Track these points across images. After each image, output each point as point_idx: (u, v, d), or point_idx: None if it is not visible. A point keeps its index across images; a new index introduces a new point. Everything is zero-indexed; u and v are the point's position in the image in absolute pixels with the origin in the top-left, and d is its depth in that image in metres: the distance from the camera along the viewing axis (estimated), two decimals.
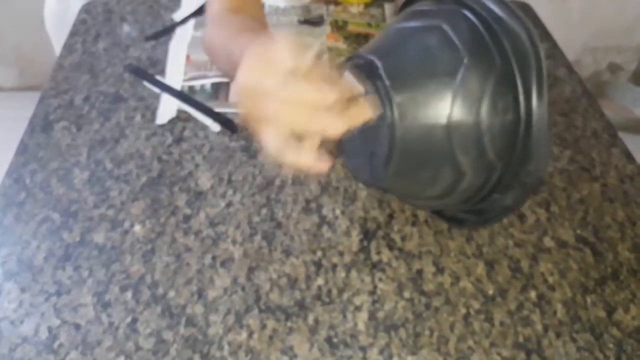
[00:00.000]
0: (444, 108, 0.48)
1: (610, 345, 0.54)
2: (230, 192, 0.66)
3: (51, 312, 0.54)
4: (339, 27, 0.91)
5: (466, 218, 0.57)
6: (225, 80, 0.79)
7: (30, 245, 0.59)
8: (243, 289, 0.56)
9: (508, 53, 0.47)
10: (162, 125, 0.74)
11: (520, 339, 0.54)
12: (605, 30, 1.96)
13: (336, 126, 0.41)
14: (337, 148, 0.60)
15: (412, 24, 0.53)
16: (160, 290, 0.56)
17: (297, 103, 0.40)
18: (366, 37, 0.89)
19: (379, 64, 0.49)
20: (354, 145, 0.57)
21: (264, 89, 0.41)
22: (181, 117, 0.75)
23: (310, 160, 0.42)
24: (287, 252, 0.60)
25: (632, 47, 2.04)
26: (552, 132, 0.46)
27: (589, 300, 0.57)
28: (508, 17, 0.48)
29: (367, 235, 0.62)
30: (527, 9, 1.01)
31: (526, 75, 0.47)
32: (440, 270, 0.59)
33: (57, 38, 1.05)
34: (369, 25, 0.93)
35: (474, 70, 0.48)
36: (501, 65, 0.48)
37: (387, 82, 0.48)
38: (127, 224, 0.62)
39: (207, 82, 0.79)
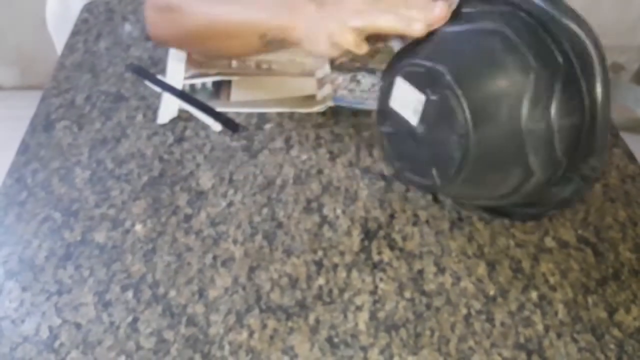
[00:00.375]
0: (516, 113, 0.48)
1: (612, 346, 0.54)
2: (231, 191, 0.66)
3: (52, 311, 0.54)
4: None
5: (515, 211, 0.57)
6: (226, 78, 0.79)
7: (32, 244, 0.60)
8: (244, 288, 0.56)
9: (569, 53, 0.48)
10: (163, 125, 0.74)
11: (522, 340, 0.54)
12: (607, 30, 1.95)
13: None
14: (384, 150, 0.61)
15: (467, 27, 0.53)
16: (161, 290, 0.56)
17: None
18: None
19: (444, 70, 0.49)
20: (409, 148, 0.56)
21: None
22: (182, 117, 0.75)
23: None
24: (288, 252, 0.60)
25: (634, 47, 2.03)
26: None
27: (590, 300, 0.57)
28: (562, 15, 0.48)
29: (368, 235, 0.62)
30: None
31: (589, 74, 0.47)
32: (441, 271, 0.59)
33: (59, 37, 1.05)
34: None
35: (542, 74, 0.48)
36: (564, 66, 0.48)
37: (459, 91, 0.48)
38: (128, 224, 0.62)
39: (208, 81, 0.79)
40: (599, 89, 0.47)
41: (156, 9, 0.72)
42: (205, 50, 0.76)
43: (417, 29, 0.53)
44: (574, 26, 0.48)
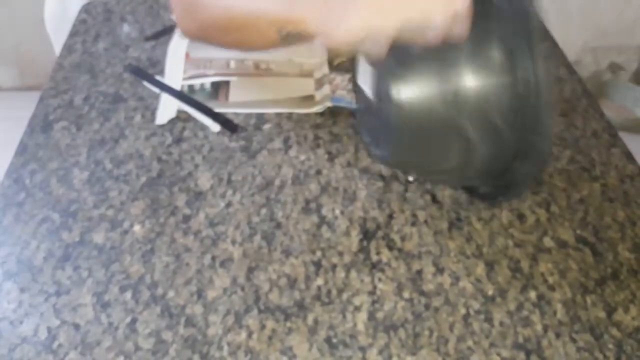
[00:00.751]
0: (443, 75, 0.48)
1: (610, 346, 0.54)
2: (229, 192, 0.66)
3: (50, 312, 0.54)
4: None
5: (498, 193, 0.58)
6: (224, 79, 0.79)
7: (30, 245, 0.59)
8: (242, 289, 0.56)
9: (504, 14, 0.47)
10: (161, 126, 0.74)
11: (520, 340, 0.54)
12: (605, 30, 1.96)
13: None
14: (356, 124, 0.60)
15: None
16: (160, 291, 0.56)
17: None
18: None
19: None
20: (368, 121, 0.57)
21: None
22: (181, 117, 0.75)
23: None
24: (286, 252, 0.60)
25: (632, 47, 2.04)
26: (553, 100, 0.48)
27: (589, 300, 0.57)
28: None
29: (367, 235, 0.62)
30: None
31: (519, 35, 0.46)
32: (439, 271, 0.59)
33: (57, 38, 1.05)
34: None
35: (471, 35, 0.47)
36: (498, 29, 0.47)
37: (392, 58, 0.48)
38: (126, 224, 0.62)
39: (207, 81, 0.79)
40: (531, 54, 0.46)
41: (179, 1, 0.71)
42: (229, 43, 0.75)
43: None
44: None
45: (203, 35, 0.72)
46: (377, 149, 0.54)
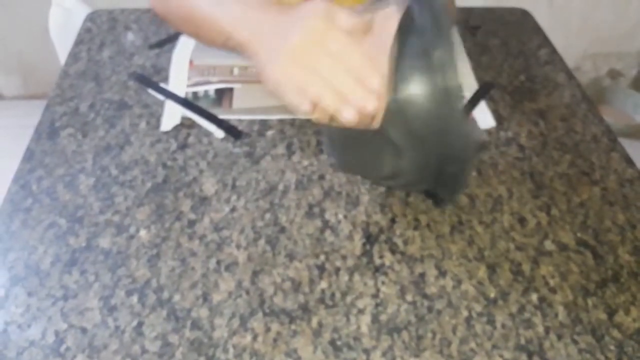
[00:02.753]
0: None
1: (612, 347, 0.54)
2: (234, 197, 0.66)
3: (58, 316, 0.55)
4: None
5: (441, 195, 0.61)
6: (228, 86, 0.80)
7: (37, 250, 0.60)
8: (247, 292, 0.57)
9: (425, 23, 0.49)
10: (166, 132, 0.75)
11: (522, 341, 0.54)
12: (605, 36, 1.98)
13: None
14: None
15: None
16: (166, 294, 0.57)
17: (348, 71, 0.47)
18: None
19: None
20: (326, 130, 0.59)
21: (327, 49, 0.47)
22: (185, 124, 0.76)
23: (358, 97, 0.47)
24: (290, 256, 0.60)
25: (632, 54, 2.05)
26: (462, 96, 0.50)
27: (590, 302, 0.58)
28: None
29: (370, 239, 0.62)
30: (527, 16, 1.02)
31: (431, 43, 0.48)
32: (442, 274, 0.59)
33: (62, 46, 1.06)
34: None
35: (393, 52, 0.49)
36: (417, 38, 0.49)
37: None
38: (132, 229, 0.63)
39: (211, 88, 0.80)
40: (446, 71, 0.48)
41: None
42: (186, 32, 0.77)
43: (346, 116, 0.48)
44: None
45: (166, 17, 0.74)
46: (331, 156, 0.57)
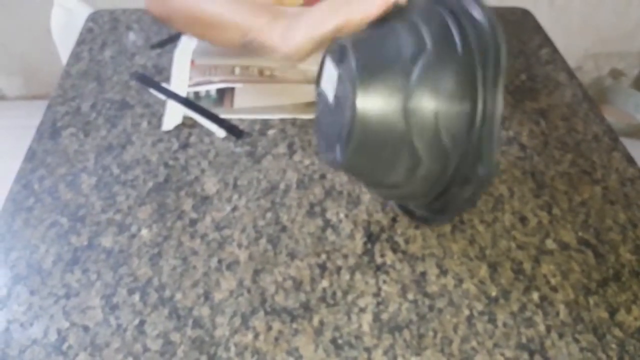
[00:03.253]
0: (404, 91, 0.49)
1: (613, 346, 0.54)
2: (235, 196, 0.67)
3: (60, 314, 0.55)
4: None
5: (432, 217, 0.59)
6: (229, 86, 0.81)
7: (39, 249, 0.60)
8: (249, 291, 0.57)
9: (471, 44, 0.49)
10: (168, 132, 0.75)
11: (524, 340, 0.54)
12: (606, 36, 1.98)
13: None
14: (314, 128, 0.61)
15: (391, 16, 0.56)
16: (167, 293, 0.57)
17: None
18: None
19: (349, 45, 0.52)
20: (325, 124, 0.58)
21: None
22: (187, 124, 0.76)
23: None
24: (292, 255, 0.61)
25: (633, 53, 2.05)
26: (501, 127, 0.49)
27: (591, 301, 0.58)
28: (475, 9, 0.49)
29: (371, 238, 0.63)
30: (528, 16, 1.03)
31: (486, 66, 0.48)
32: (443, 272, 0.60)
33: (64, 47, 1.07)
34: None
35: (435, 58, 0.49)
36: (463, 56, 0.49)
37: (353, 63, 0.50)
38: (134, 228, 0.63)
39: (212, 88, 0.80)
40: (490, 84, 0.48)
41: None
42: (192, 34, 0.78)
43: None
44: (482, 20, 0.49)
45: (168, 19, 0.75)
46: (330, 152, 0.56)
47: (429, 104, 0.49)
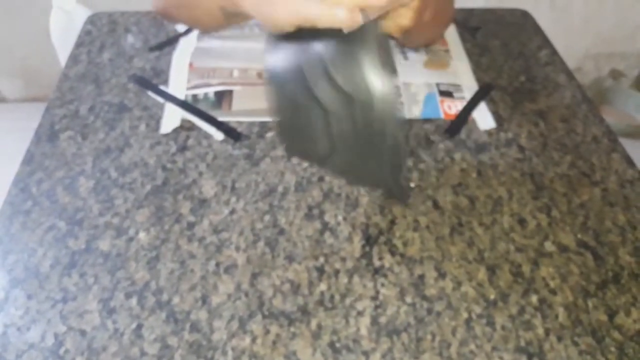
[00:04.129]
0: (301, 51, 0.50)
1: (612, 349, 0.54)
2: (233, 199, 0.66)
3: (57, 318, 0.55)
4: None
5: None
6: (227, 88, 0.80)
7: (37, 252, 0.60)
8: (246, 294, 0.57)
9: None
10: (166, 135, 0.75)
11: (522, 343, 0.54)
12: (606, 37, 1.97)
13: None
14: None
15: None
16: (165, 297, 0.57)
17: None
18: None
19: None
20: None
21: None
22: (185, 126, 0.76)
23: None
24: (290, 258, 0.60)
25: (634, 54, 2.04)
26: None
27: (590, 304, 0.57)
28: None
29: (369, 241, 0.62)
30: (527, 17, 1.02)
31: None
32: (442, 275, 0.59)
33: (62, 49, 1.07)
34: None
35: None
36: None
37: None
38: (132, 232, 0.63)
39: (210, 91, 0.80)
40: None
41: None
42: (184, 20, 0.78)
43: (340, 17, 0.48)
44: None
45: (165, 12, 0.75)
46: (281, 140, 0.56)
47: (314, 49, 0.49)
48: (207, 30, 0.80)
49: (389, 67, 0.50)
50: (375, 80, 0.48)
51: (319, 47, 0.49)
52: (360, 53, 0.48)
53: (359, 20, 0.48)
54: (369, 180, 0.61)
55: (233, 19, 0.63)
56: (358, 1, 0.48)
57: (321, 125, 0.51)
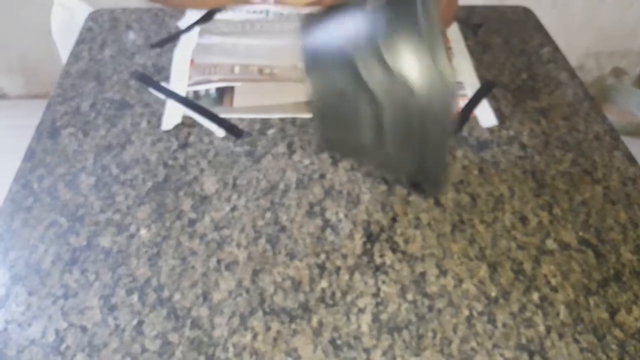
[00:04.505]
0: (346, 33, 0.47)
1: (613, 347, 0.54)
2: (234, 196, 0.66)
3: (58, 315, 0.55)
4: None
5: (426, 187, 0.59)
6: (229, 85, 0.80)
7: (38, 249, 0.60)
8: (247, 291, 0.57)
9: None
10: (167, 131, 0.75)
11: (523, 341, 0.54)
12: (608, 34, 1.97)
13: None
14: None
15: None
16: (166, 293, 0.57)
17: None
18: None
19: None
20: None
21: None
22: (186, 123, 0.76)
23: None
24: (291, 255, 0.60)
25: (635, 51, 2.04)
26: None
27: (591, 301, 0.57)
28: None
29: (371, 238, 0.62)
30: (529, 14, 1.02)
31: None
32: (443, 273, 0.59)
33: (64, 46, 1.06)
34: None
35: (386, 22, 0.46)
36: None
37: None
38: (133, 228, 0.63)
39: (212, 87, 0.80)
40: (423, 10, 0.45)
41: None
42: (172, 2, 0.77)
43: None
44: None
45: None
46: (318, 130, 0.54)
47: (368, 37, 0.46)
48: (190, 7, 0.79)
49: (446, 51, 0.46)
50: (439, 67, 0.44)
51: (368, 26, 0.45)
52: (419, 34, 0.44)
53: None
54: (405, 171, 0.58)
55: None
56: None
57: (369, 115, 0.48)
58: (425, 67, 0.45)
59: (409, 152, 0.52)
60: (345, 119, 0.51)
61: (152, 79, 0.82)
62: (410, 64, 0.45)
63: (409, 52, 0.45)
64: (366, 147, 0.53)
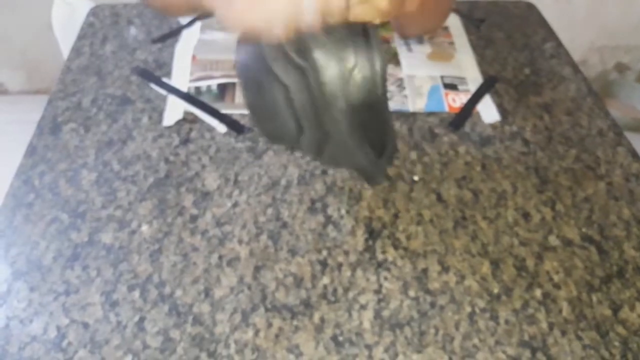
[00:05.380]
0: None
1: (616, 343, 0.54)
2: (236, 192, 0.66)
3: (60, 311, 0.55)
4: None
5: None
6: (230, 81, 0.80)
7: (39, 245, 0.60)
8: (249, 288, 0.57)
9: None
10: (169, 127, 0.74)
11: (526, 337, 0.54)
12: (611, 29, 1.96)
13: None
14: None
15: None
16: (168, 290, 0.57)
17: None
18: None
19: None
20: None
21: None
22: (188, 119, 0.75)
23: None
24: (292, 252, 0.60)
25: (639, 47, 2.03)
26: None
27: (594, 298, 0.57)
28: None
29: (373, 234, 0.62)
30: (532, 9, 1.02)
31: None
32: (445, 269, 0.59)
33: (65, 41, 1.06)
34: None
35: None
36: None
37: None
38: (134, 224, 0.62)
39: (213, 83, 0.80)
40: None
41: None
42: (158, 9, 0.78)
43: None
44: None
45: (150, 2, 0.74)
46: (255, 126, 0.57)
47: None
48: (175, 15, 0.79)
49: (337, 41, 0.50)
50: (322, 51, 0.48)
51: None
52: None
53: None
54: (342, 161, 0.58)
55: (200, 10, 0.61)
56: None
57: (283, 102, 0.51)
58: (311, 50, 0.48)
59: (332, 140, 0.53)
60: (269, 111, 0.53)
61: (154, 74, 0.82)
62: (302, 50, 0.49)
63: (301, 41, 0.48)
64: (295, 136, 0.54)
